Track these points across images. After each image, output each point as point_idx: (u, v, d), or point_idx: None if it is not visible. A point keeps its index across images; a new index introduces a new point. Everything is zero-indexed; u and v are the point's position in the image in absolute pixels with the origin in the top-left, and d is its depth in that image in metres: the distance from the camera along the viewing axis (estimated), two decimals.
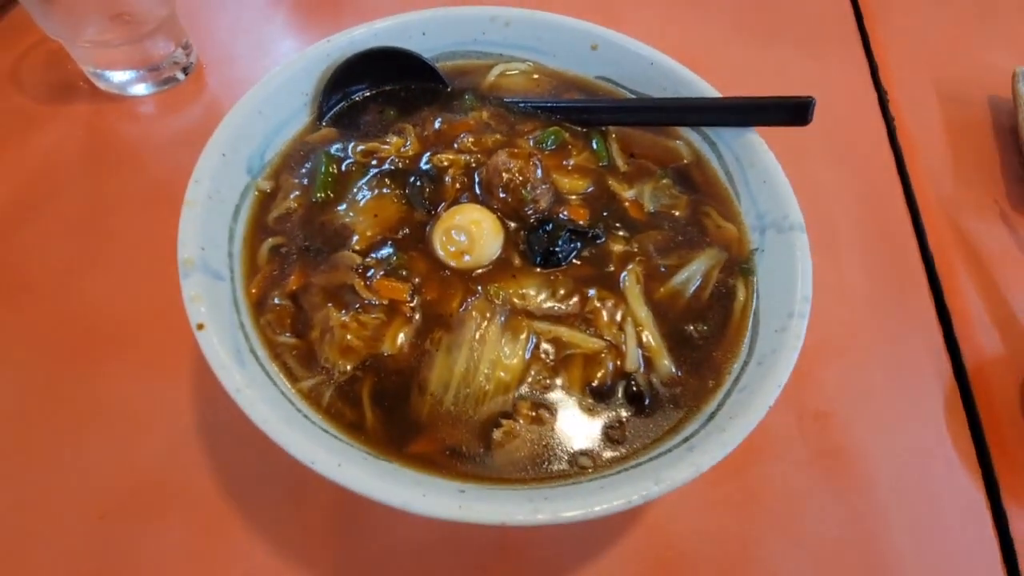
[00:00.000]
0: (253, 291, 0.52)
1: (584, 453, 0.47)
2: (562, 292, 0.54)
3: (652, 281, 0.55)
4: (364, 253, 0.54)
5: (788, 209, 0.55)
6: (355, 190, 0.58)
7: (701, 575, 0.56)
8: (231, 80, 0.90)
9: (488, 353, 0.49)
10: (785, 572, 0.57)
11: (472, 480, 0.45)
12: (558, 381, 0.50)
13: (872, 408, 0.67)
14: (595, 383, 0.50)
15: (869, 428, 0.66)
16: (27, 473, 0.57)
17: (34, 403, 0.61)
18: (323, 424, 0.46)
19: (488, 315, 0.51)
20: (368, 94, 0.66)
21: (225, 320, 0.47)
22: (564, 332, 0.51)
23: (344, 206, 0.57)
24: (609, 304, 0.53)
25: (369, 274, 0.52)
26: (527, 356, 0.50)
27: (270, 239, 0.55)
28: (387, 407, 0.48)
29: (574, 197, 0.60)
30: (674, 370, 0.51)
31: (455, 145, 0.62)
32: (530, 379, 0.50)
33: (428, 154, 0.61)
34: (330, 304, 0.51)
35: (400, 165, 0.60)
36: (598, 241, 0.57)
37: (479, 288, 0.53)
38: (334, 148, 0.61)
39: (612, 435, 0.48)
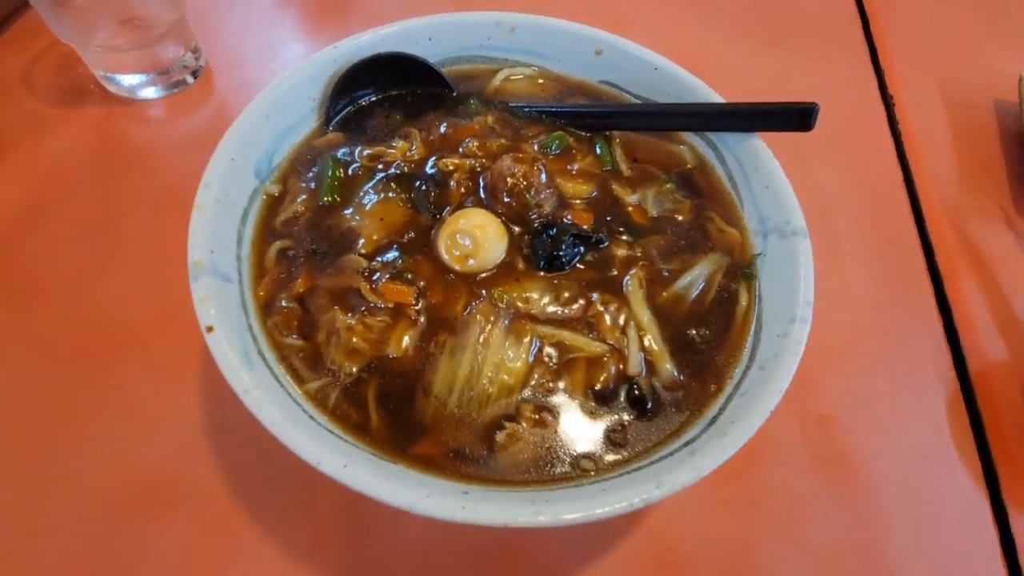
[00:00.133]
0: (261, 294, 0.53)
1: (586, 456, 0.48)
2: (565, 296, 0.54)
3: (655, 285, 0.56)
4: (370, 256, 0.54)
5: (791, 214, 0.55)
6: (361, 194, 0.59)
7: None
8: (239, 83, 0.91)
9: (492, 356, 0.50)
10: None
11: (475, 482, 0.45)
12: (561, 384, 0.50)
13: (875, 412, 0.67)
14: (597, 387, 0.50)
15: (872, 432, 0.66)
16: (37, 471, 0.58)
17: (45, 403, 0.62)
18: (329, 425, 0.47)
19: (492, 319, 0.51)
20: (374, 99, 0.67)
21: (234, 322, 0.48)
22: (567, 336, 0.52)
23: (350, 210, 0.58)
24: (612, 308, 0.54)
25: (375, 277, 0.53)
26: (530, 359, 0.51)
27: (278, 242, 0.55)
28: (392, 409, 0.49)
29: (578, 201, 0.60)
30: (676, 374, 0.52)
31: (460, 149, 0.62)
32: (533, 382, 0.50)
33: (433, 158, 0.62)
34: (336, 307, 0.51)
35: (406, 169, 0.61)
36: (601, 245, 0.57)
37: (483, 292, 0.53)
38: (340, 152, 0.61)
39: (614, 438, 0.49)
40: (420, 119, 0.65)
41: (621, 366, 0.51)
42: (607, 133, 0.66)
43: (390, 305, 0.52)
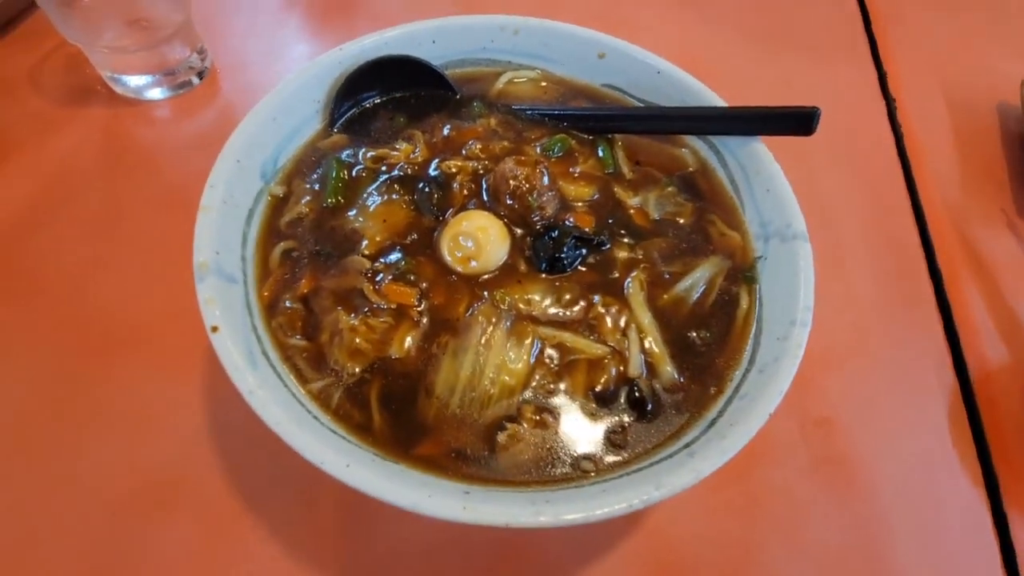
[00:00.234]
0: (265, 294, 0.53)
1: (586, 457, 0.48)
2: (567, 298, 0.54)
3: (656, 288, 0.56)
4: (373, 258, 0.55)
5: (792, 218, 0.56)
6: (365, 196, 0.59)
7: None
8: (244, 84, 0.91)
9: (493, 358, 0.50)
10: None
11: (476, 482, 0.46)
12: (562, 386, 0.51)
13: (875, 415, 0.67)
14: (598, 388, 0.51)
15: (872, 435, 0.66)
16: (41, 471, 0.59)
17: (49, 403, 0.62)
18: (332, 425, 0.47)
19: (494, 320, 0.52)
20: (378, 101, 0.67)
21: (238, 323, 0.48)
22: (568, 337, 0.52)
23: (354, 211, 0.58)
24: (613, 310, 0.54)
25: (378, 278, 0.53)
26: (532, 361, 0.51)
27: (282, 243, 0.56)
28: (394, 409, 0.49)
29: (580, 204, 0.61)
30: (676, 376, 0.52)
31: (463, 152, 0.63)
32: (534, 384, 0.50)
33: (437, 160, 0.62)
34: (340, 307, 0.52)
35: (409, 171, 0.61)
36: (603, 248, 0.58)
37: (485, 293, 0.54)
38: (345, 154, 0.62)
39: (614, 440, 0.49)
40: (424, 121, 0.66)
41: (622, 368, 0.52)
42: (609, 136, 0.66)
43: (393, 306, 0.52)
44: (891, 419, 0.67)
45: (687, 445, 0.47)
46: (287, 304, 0.52)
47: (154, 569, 0.55)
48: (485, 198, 0.60)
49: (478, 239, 0.55)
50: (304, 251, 0.56)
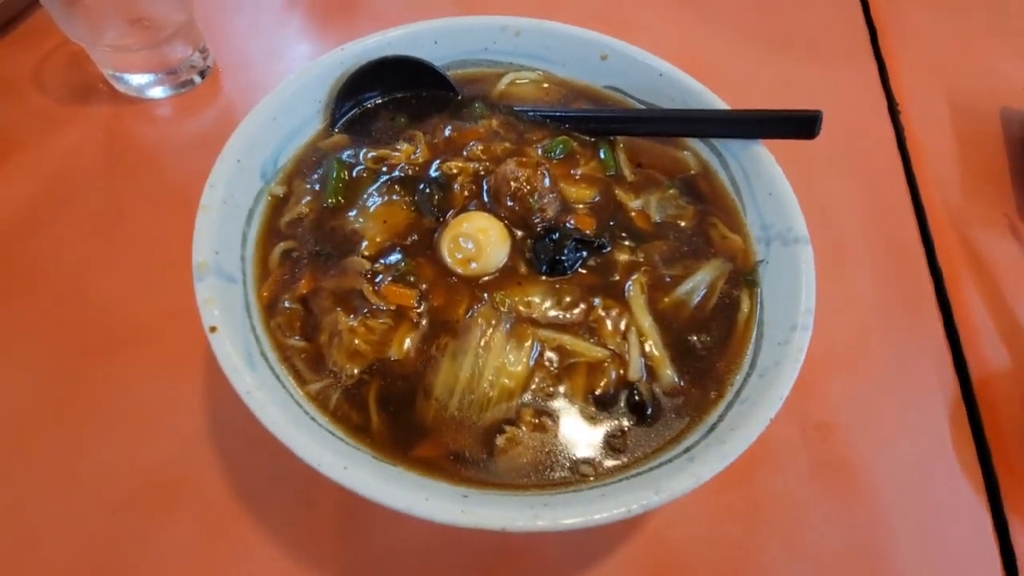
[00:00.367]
0: (264, 294, 0.53)
1: (585, 461, 0.48)
2: (567, 300, 0.54)
3: (656, 291, 0.56)
4: (373, 259, 0.55)
5: (793, 221, 0.56)
6: (365, 196, 0.59)
7: None
8: (246, 84, 0.91)
9: (493, 360, 0.50)
10: None
11: (475, 485, 0.46)
12: (561, 389, 0.51)
13: (876, 420, 0.67)
14: (598, 392, 0.51)
15: (873, 440, 0.66)
16: (41, 471, 0.58)
17: (48, 402, 0.62)
18: (329, 427, 0.47)
19: (494, 322, 0.51)
20: (380, 101, 0.67)
21: (237, 323, 0.48)
22: (568, 340, 0.52)
23: (354, 212, 0.58)
24: (613, 313, 0.54)
25: (377, 279, 0.53)
26: (531, 364, 0.51)
27: (282, 243, 0.56)
28: (393, 411, 0.49)
29: (581, 206, 0.61)
30: (676, 380, 0.52)
31: (464, 153, 0.63)
32: (534, 386, 0.50)
33: (438, 161, 0.62)
34: (339, 308, 0.52)
35: (410, 172, 0.61)
36: (604, 250, 0.57)
37: (485, 295, 0.53)
38: (345, 154, 0.62)
39: (614, 444, 0.49)
40: (425, 122, 0.66)
41: (622, 371, 0.51)
42: (611, 138, 0.66)
43: (392, 307, 0.52)
44: (891, 422, 0.67)
45: (687, 449, 0.47)
46: (286, 304, 0.52)
47: (154, 569, 0.55)
48: (486, 199, 0.59)
49: (478, 240, 0.54)
50: (304, 251, 0.56)
